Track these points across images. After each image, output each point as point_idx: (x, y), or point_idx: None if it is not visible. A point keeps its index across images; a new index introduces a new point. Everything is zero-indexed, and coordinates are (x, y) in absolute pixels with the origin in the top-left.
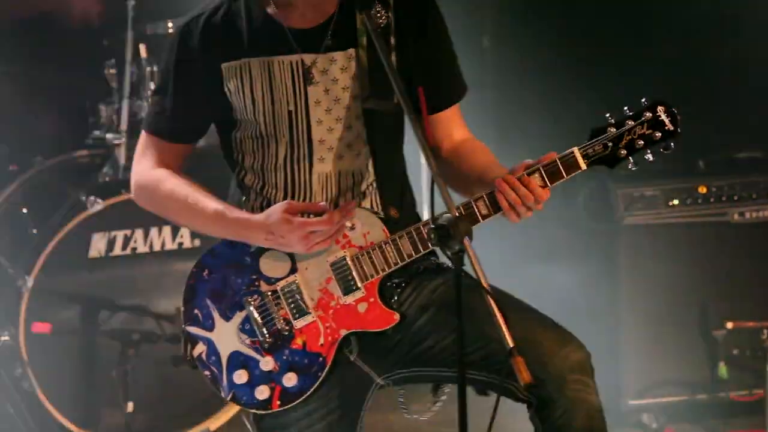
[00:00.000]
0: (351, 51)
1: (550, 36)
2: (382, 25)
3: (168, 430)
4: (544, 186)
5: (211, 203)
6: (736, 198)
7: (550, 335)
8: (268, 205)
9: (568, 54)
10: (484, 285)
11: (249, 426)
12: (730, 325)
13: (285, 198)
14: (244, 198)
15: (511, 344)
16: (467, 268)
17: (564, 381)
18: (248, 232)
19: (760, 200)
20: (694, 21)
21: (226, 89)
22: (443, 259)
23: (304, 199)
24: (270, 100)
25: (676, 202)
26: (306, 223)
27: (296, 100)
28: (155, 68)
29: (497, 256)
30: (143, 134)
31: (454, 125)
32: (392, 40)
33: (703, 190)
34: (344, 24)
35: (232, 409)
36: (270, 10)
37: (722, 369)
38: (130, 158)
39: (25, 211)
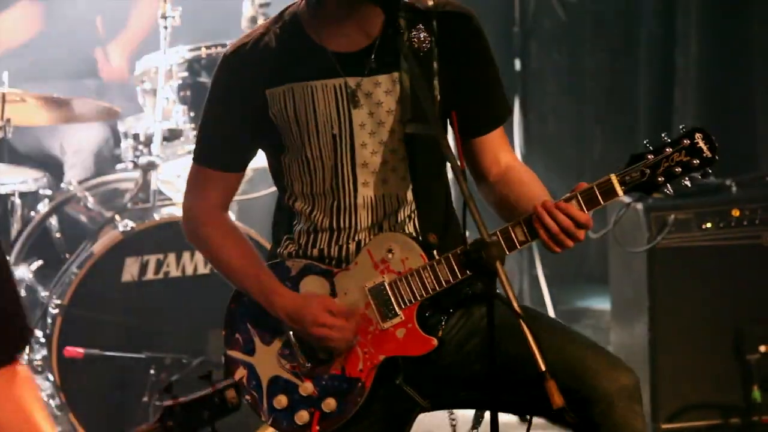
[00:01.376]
0: (395, 74)
1: (582, 58)
2: (425, 49)
3: None
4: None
5: (261, 269)
6: None
7: (600, 358)
8: (315, 230)
9: (600, 76)
10: (516, 309)
11: None
12: (764, 348)
13: (330, 223)
14: (295, 222)
15: (543, 368)
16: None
17: (612, 405)
18: (278, 300)
19: None
20: (728, 40)
21: (271, 115)
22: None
23: (349, 223)
24: (314, 124)
25: (709, 225)
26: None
27: (341, 124)
28: (188, 93)
29: (529, 281)
30: (193, 167)
31: (500, 149)
32: (435, 65)
33: (736, 213)
34: (388, 47)
35: None
36: (313, 35)
37: (756, 393)
38: (163, 182)
39: (58, 235)
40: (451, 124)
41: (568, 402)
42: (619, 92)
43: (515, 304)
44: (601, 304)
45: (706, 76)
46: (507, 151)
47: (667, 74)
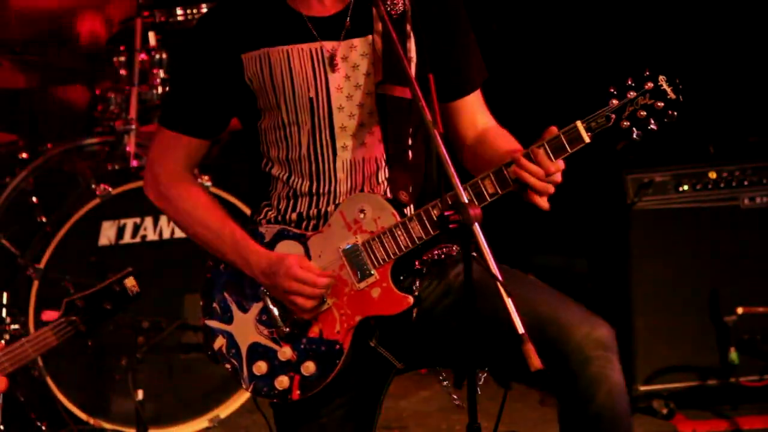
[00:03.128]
0: (370, 37)
1: (559, 19)
2: (400, 11)
3: (178, 417)
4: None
5: (235, 227)
6: (746, 183)
7: (573, 313)
8: (294, 195)
9: (578, 37)
10: (493, 272)
11: (262, 412)
12: (740, 310)
13: (311, 186)
14: (270, 188)
15: (521, 331)
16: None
17: (586, 357)
18: (252, 256)
19: None
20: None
21: (247, 80)
22: None
23: (329, 188)
24: (291, 87)
25: (686, 187)
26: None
27: (317, 87)
28: (164, 56)
29: (507, 243)
30: (161, 130)
31: (476, 112)
32: (408, 27)
33: (713, 175)
34: (364, 10)
35: (243, 397)
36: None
37: (733, 355)
38: (139, 146)
39: (34, 199)
40: (428, 87)
41: (543, 358)
42: None
43: (492, 267)
44: (578, 266)
45: None
46: (483, 114)
47: None
